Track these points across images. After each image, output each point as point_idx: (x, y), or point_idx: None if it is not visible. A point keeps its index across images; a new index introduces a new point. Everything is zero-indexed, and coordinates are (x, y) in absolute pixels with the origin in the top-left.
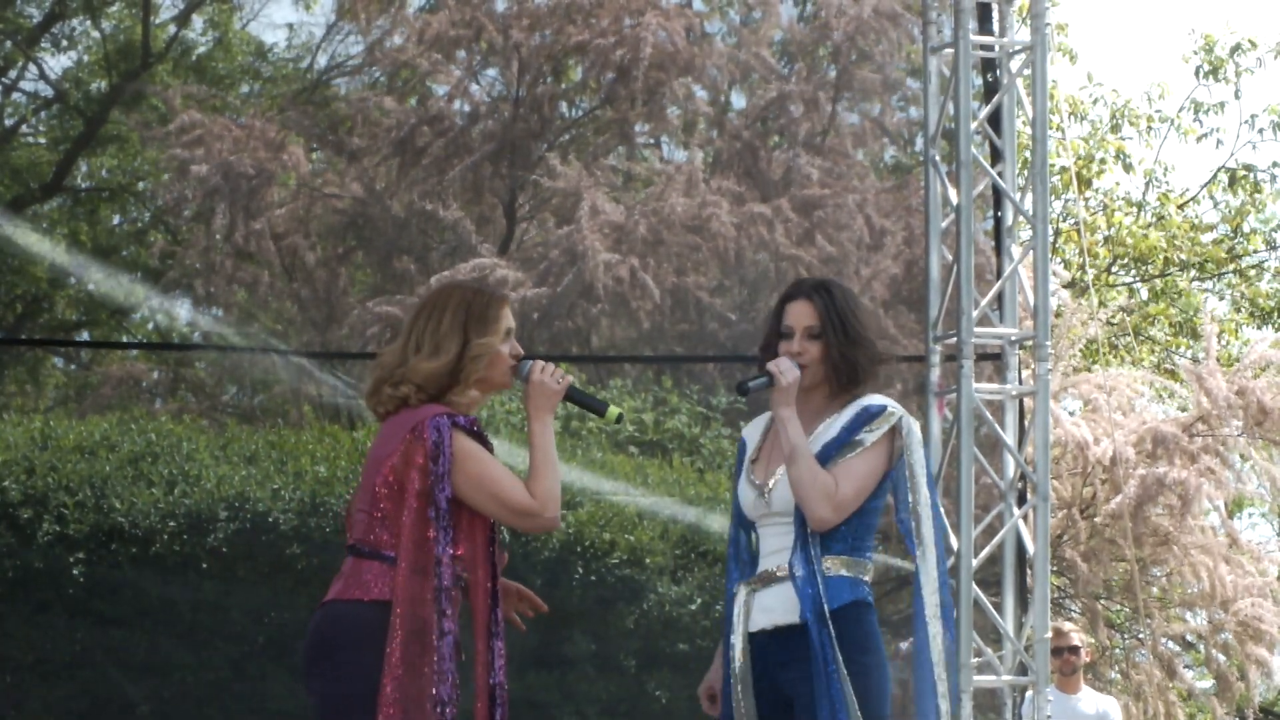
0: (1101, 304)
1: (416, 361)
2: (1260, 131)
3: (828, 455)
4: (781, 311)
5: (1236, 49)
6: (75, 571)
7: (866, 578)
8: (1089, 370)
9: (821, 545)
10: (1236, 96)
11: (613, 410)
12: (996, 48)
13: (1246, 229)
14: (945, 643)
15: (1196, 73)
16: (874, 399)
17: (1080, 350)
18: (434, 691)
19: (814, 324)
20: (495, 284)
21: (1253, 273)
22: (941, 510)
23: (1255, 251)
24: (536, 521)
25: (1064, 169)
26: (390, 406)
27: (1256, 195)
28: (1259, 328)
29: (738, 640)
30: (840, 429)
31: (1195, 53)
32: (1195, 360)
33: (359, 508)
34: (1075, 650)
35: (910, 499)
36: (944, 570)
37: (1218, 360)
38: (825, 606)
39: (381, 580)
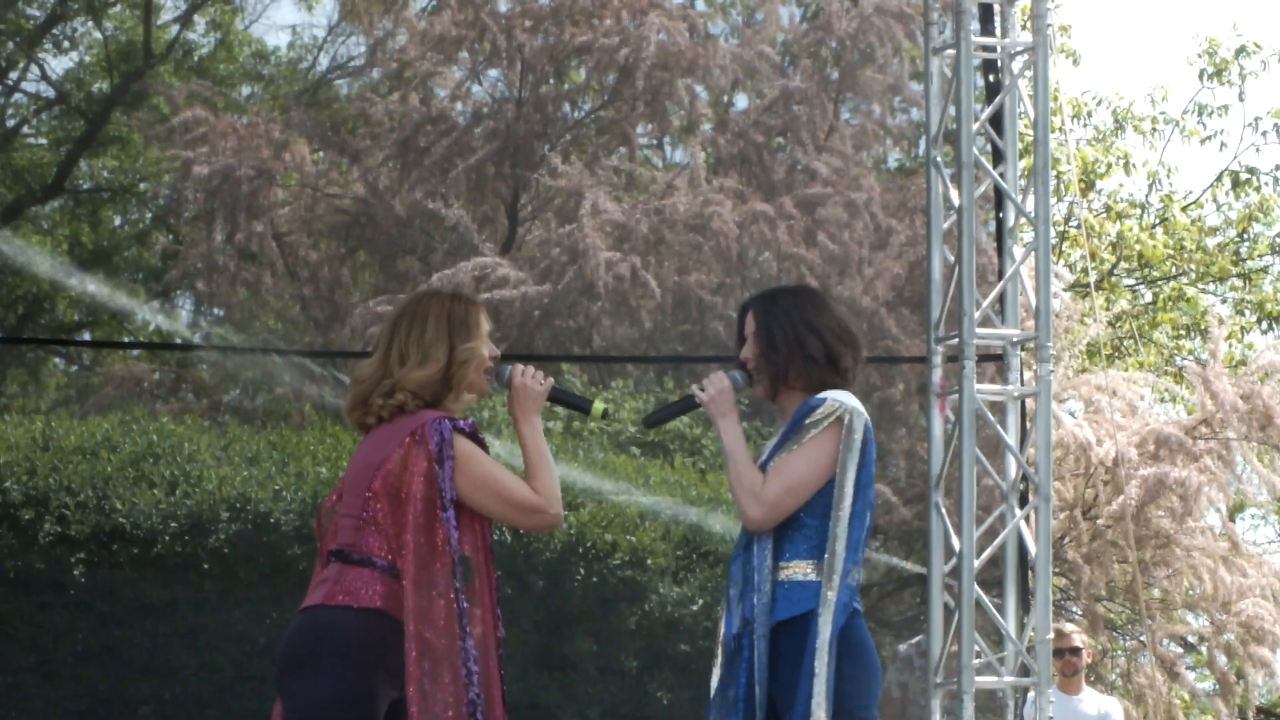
0: (1106, 308)
1: (406, 371)
2: (1264, 134)
3: (773, 454)
4: (741, 320)
5: (1241, 51)
6: (76, 572)
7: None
8: (1090, 372)
9: (785, 548)
10: (1240, 99)
11: (598, 406)
12: (998, 49)
13: (1253, 233)
14: (827, 681)
15: (1200, 75)
16: (822, 394)
17: (1081, 352)
18: (461, 698)
19: (754, 329)
20: (496, 282)
21: (1257, 277)
22: (864, 524)
23: (1260, 256)
24: (542, 518)
25: (1066, 173)
26: (385, 415)
27: (1260, 197)
28: (1264, 332)
29: (719, 644)
30: (785, 426)
31: (1199, 55)
32: (1200, 363)
33: (345, 513)
34: (1077, 651)
35: (832, 516)
36: (847, 590)
37: (1226, 359)
38: (759, 617)
39: (372, 587)
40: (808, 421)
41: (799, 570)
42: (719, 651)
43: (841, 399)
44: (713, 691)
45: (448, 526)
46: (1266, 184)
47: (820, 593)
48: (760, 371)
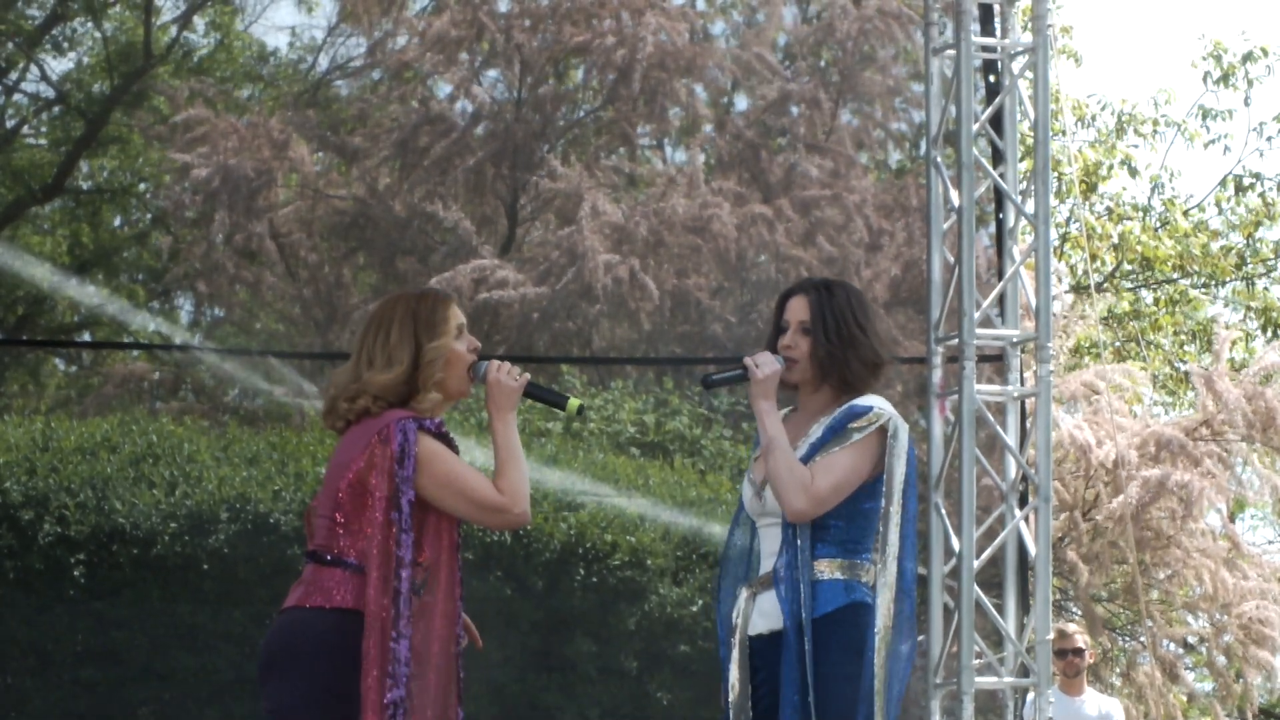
0: (1106, 312)
1: (371, 375)
2: (1269, 139)
3: (812, 454)
4: (783, 306)
5: (1248, 56)
6: (76, 573)
7: (865, 579)
8: (1081, 369)
9: (814, 548)
10: (1246, 104)
11: (573, 403)
12: (998, 49)
13: (1257, 238)
14: (886, 674)
15: (1205, 79)
16: (864, 399)
17: (1071, 350)
18: (387, 697)
19: (807, 319)
20: (495, 284)
21: (1261, 282)
22: (915, 526)
23: (1264, 261)
24: (506, 517)
25: (1068, 175)
26: (351, 418)
27: (1268, 203)
28: (1269, 340)
29: (735, 645)
30: (825, 428)
31: (1204, 59)
32: (1204, 367)
33: (320, 513)
34: (1079, 652)
35: (881, 504)
36: (907, 585)
37: (1228, 364)
38: (803, 614)
39: (344, 587)
40: (852, 425)
41: (828, 569)
42: (735, 647)
43: (884, 406)
44: (731, 688)
45: (399, 526)
46: (1270, 189)
47: (852, 590)
48: (808, 361)
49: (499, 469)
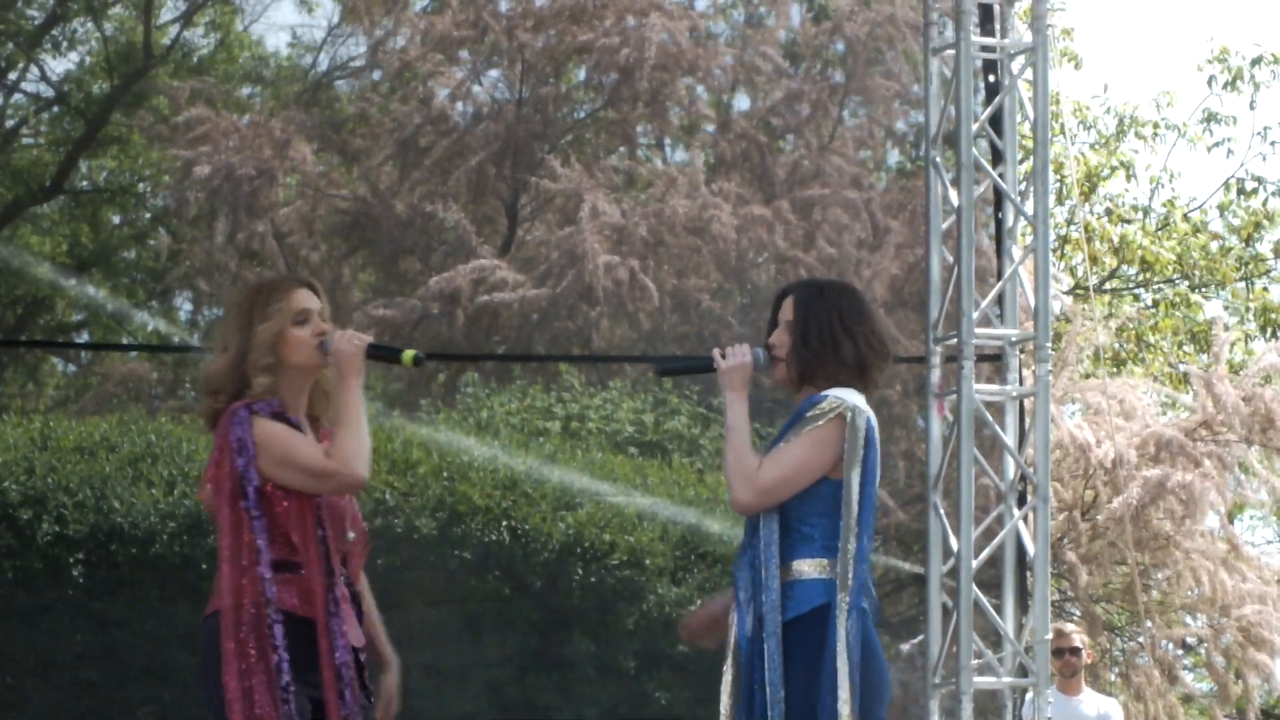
0: (1111, 314)
1: (207, 367)
2: (1272, 144)
3: (774, 448)
4: (778, 305)
5: (1257, 61)
6: (75, 573)
7: None
8: (1096, 377)
9: (795, 549)
10: (1251, 108)
11: (408, 354)
12: (998, 49)
13: (1258, 239)
14: (853, 686)
15: (1210, 83)
16: (828, 390)
17: (1089, 357)
18: (279, 680)
19: (793, 319)
20: (495, 285)
21: (1261, 283)
22: (873, 525)
23: (1263, 261)
24: (337, 480)
25: (1068, 177)
26: (209, 417)
27: (1267, 204)
28: (1268, 340)
29: (730, 645)
30: (786, 422)
31: (1210, 62)
32: (1204, 368)
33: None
34: (1076, 652)
35: (843, 518)
36: (858, 590)
37: (1227, 365)
38: (765, 612)
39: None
40: (809, 414)
41: (809, 569)
42: (728, 653)
43: (844, 396)
44: (724, 693)
45: (252, 516)
46: (1273, 192)
47: (831, 590)
48: (788, 362)
49: (334, 433)
